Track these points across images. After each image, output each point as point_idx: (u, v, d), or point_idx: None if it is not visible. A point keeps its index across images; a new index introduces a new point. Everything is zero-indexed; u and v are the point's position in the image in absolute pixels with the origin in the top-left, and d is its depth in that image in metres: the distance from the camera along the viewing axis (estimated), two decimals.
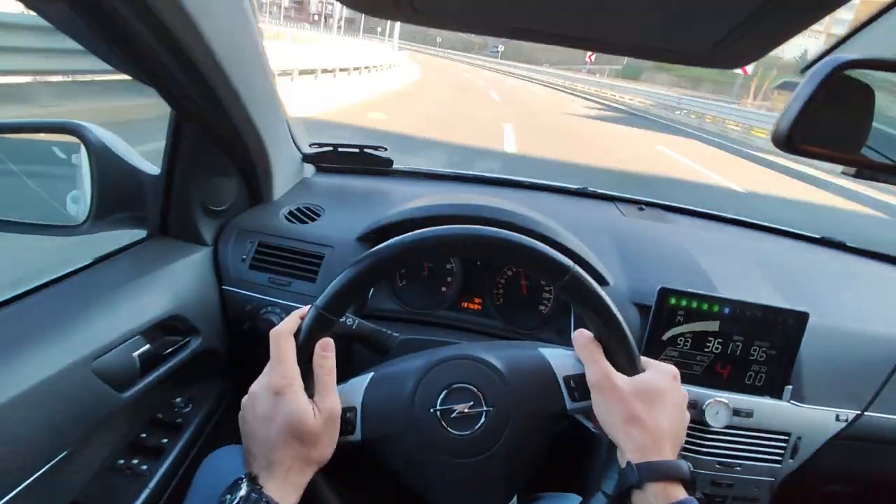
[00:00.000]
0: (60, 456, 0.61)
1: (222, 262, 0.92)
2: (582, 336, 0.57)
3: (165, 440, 0.83)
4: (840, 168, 0.62)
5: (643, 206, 1.31)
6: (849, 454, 0.88)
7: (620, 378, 0.53)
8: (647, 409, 0.52)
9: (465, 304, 1.00)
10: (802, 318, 0.84)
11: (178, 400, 0.89)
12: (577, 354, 0.58)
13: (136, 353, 0.71)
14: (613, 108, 20.06)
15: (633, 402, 0.52)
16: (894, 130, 0.63)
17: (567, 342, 0.91)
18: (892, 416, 0.86)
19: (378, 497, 0.72)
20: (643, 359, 0.57)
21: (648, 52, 0.45)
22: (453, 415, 0.56)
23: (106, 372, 0.65)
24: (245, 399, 0.54)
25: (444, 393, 0.57)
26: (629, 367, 0.55)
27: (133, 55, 0.60)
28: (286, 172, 1.05)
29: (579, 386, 0.57)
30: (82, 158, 0.78)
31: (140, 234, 0.89)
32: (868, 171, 0.61)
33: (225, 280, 0.92)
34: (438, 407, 0.57)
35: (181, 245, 0.89)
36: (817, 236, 1.30)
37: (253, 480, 0.49)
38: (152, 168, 0.86)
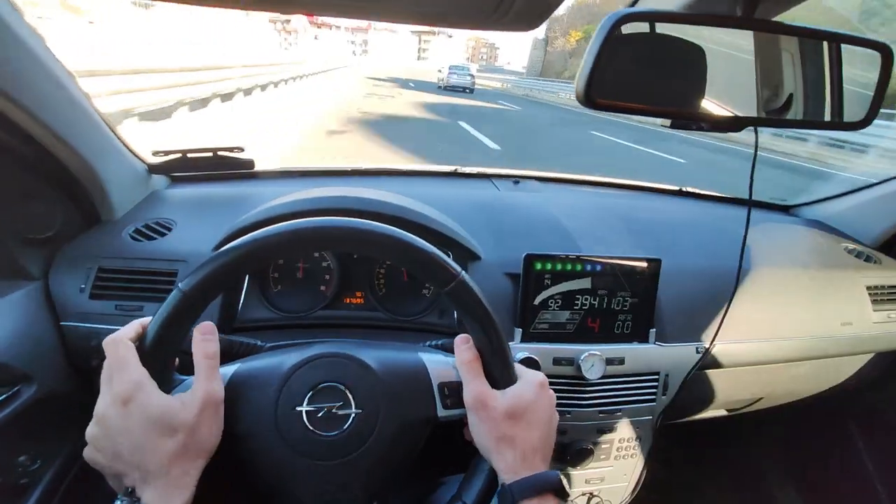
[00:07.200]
0: None
1: (56, 295, 0.82)
2: (465, 352, 0.57)
3: None
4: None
5: (518, 180, 1.35)
6: (709, 381, 0.98)
7: (493, 398, 0.55)
8: (517, 426, 0.54)
9: (347, 300, 0.97)
10: (656, 264, 0.90)
11: (22, 458, 0.78)
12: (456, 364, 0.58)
13: None
14: None
15: (504, 423, 0.54)
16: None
17: (449, 324, 0.92)
18: (735, 342, 0.96)
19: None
20: (516, 366, 0.58)
21: (435, 19, 0.44)
22: (319, 414, 0.54)
23: None
24: (90, 428, 0.49)
25: (312, 391, 0.55)
26: (503, 376, 0.56)
27: None
28: (125, 187, 0.94)
29: (453, 394, 0.58)
30: None
31: None
32: (679, 121, 0.66)
33: (62, 315, 0.81)
34: (305, 406, 0.54)
35: None
36: (676, 188, 1.42)
37: (130, 494, 0.46)
38: None
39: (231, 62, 10.04)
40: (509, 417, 0.54)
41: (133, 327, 0.52)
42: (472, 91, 24.42)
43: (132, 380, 0.48)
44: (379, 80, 29.73)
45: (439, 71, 28.05)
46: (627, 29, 0.52)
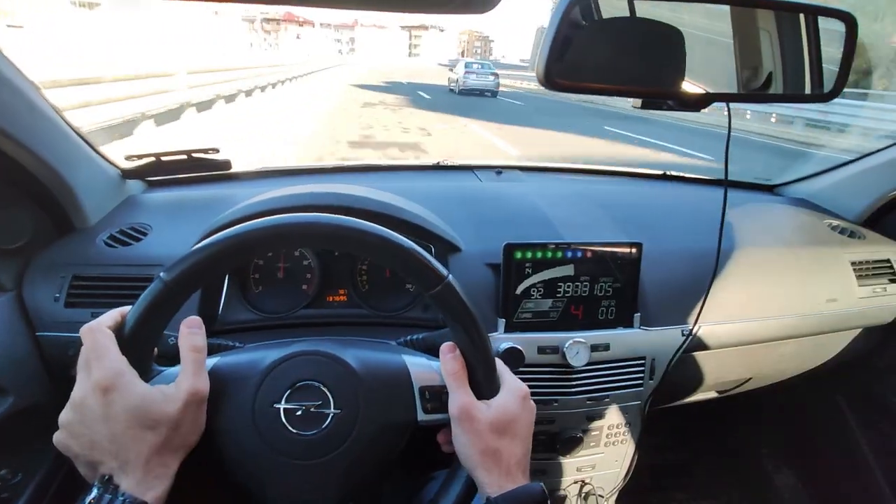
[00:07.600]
0: None
1: (30, 305, 0.80)
2: (451, 361, 0.56)
3: None
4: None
5: (501, 171, 1.34)
6: (697, 364, 0.97)
7: (479, 410, 0.54)
8: (503, 439, 0.53)
9: (330, 298, 0.96)
10: (638, 248, 0.89)
11: (3, 472, 0.76)
12: (440, 368, 0.57)
13: None
14: None
15: (489, 436, 0.53)
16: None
17: (433, 318, 0.91)
18: (720, 323, 0.95)
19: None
20: (498, 366, 0.58)
21: (387, 4, 0.43)
22: (298, 413, 0.53)
23: None
24: (65, 413, 0.48)
25: (290, 389, 0.54)
26: (487, 383, 0.56)
27: None
28: (98, 193, 0.93)
29: (434, 398, 0.57)
30: None
31: None
32: (650, 100, 0.65)
33: (38, 326, 0.80)
34: (283, 404, 0.53)
35: None
36: (660, 172, 1.42)
37: (106, 482, 0.45)
38: None
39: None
40: (494, 430, 0.53)
41: (111, 316, 0.51)
42: (495, 95, 18.60)
43: (113, 368, 0.47)
44: (371, 89, 19.88)
45: (451, 70, 22.03)
46: (607, 12, 0.51)
